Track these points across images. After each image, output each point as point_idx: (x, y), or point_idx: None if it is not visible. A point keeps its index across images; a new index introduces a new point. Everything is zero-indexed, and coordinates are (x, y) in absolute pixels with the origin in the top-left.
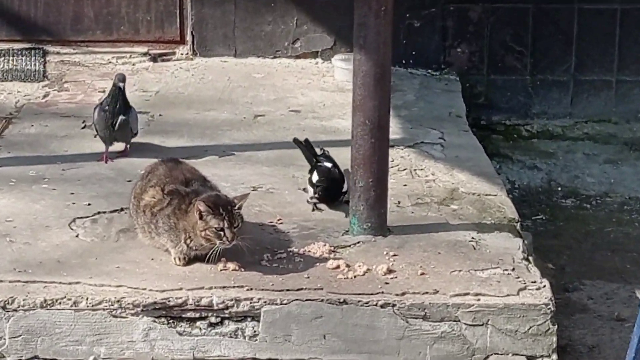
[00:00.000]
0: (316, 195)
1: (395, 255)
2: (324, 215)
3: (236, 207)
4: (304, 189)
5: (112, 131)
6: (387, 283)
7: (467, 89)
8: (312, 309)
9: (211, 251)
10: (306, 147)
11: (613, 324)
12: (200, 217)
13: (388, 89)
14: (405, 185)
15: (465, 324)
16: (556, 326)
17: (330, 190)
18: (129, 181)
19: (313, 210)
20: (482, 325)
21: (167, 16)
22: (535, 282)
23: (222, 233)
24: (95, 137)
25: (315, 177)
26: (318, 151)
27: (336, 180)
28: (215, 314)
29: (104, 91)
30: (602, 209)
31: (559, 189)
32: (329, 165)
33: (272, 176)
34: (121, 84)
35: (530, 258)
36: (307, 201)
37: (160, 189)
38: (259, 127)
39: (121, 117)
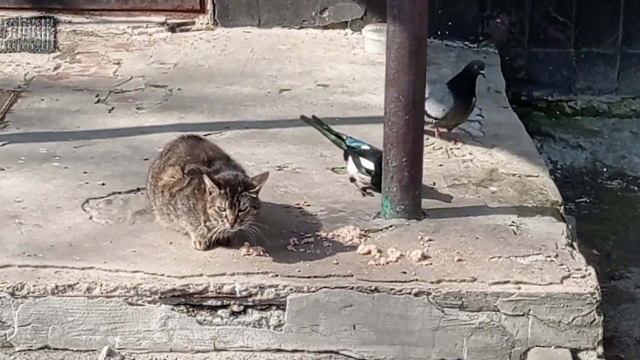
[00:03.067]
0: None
1: (430, 240)
2: (354, 197)
3: (253, 190)
4: (351, 179)
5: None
6: (421, 270)
7: (506, 62)
8: (342, 297)
9: (213, 231)
10: (318, 123)
11: None
12: (210, 193)
13: (424, 63)
14: (440, 165)
15: (504, 314)
16: (602, 317)
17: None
18: (146, 159)
19: (364, 195)
20: (522, 315)
21: None
22: (579, 269)
23: (224, 213)
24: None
25: (368, 164)
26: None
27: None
28: (237, 302)
29: (118, 63)
30: None
31: (605, 169)
32: (367, 147)
33: (299, 155)
34: (482, 72)
35: (575, 244)
36: (357, 186)
37: (180, 168)
38: (284, 103)
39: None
